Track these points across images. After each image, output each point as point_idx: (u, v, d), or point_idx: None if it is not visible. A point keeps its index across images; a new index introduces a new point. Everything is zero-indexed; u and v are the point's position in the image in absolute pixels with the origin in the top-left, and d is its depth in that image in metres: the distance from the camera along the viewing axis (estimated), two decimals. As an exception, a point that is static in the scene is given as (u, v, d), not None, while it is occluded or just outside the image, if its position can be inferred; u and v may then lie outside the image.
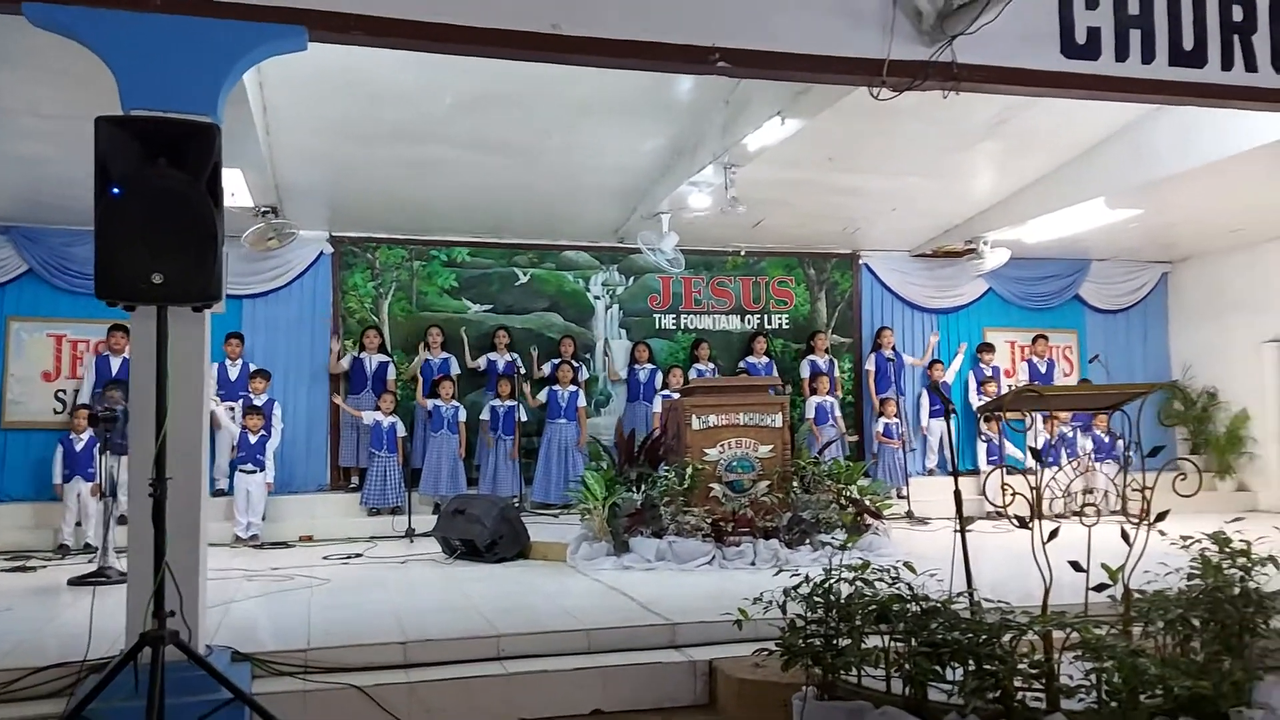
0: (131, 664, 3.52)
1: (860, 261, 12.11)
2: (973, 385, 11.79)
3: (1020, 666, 3.38)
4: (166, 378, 3.58)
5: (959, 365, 11.84)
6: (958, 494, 4.07)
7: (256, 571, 7.24)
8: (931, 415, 11.56)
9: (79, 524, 8.67)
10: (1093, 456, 10.79)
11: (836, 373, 11.48)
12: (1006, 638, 3.42)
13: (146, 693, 3.33)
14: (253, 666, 4.35)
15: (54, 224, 9.38)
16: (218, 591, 6.10)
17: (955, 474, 4.23)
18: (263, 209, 9.26)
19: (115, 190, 3.42)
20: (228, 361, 9.77)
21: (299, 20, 4.27)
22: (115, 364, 9.22)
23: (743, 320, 11.75)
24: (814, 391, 11.10)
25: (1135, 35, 5.26)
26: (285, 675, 4.35)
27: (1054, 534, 3.50)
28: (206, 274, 3.52)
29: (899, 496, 10.38)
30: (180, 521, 3.76)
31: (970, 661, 3.44)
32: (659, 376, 10.98)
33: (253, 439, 9.25)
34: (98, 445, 7.85)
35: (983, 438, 11.20)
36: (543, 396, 10.54)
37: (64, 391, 9.63)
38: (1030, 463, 4.43)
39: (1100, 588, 3.61)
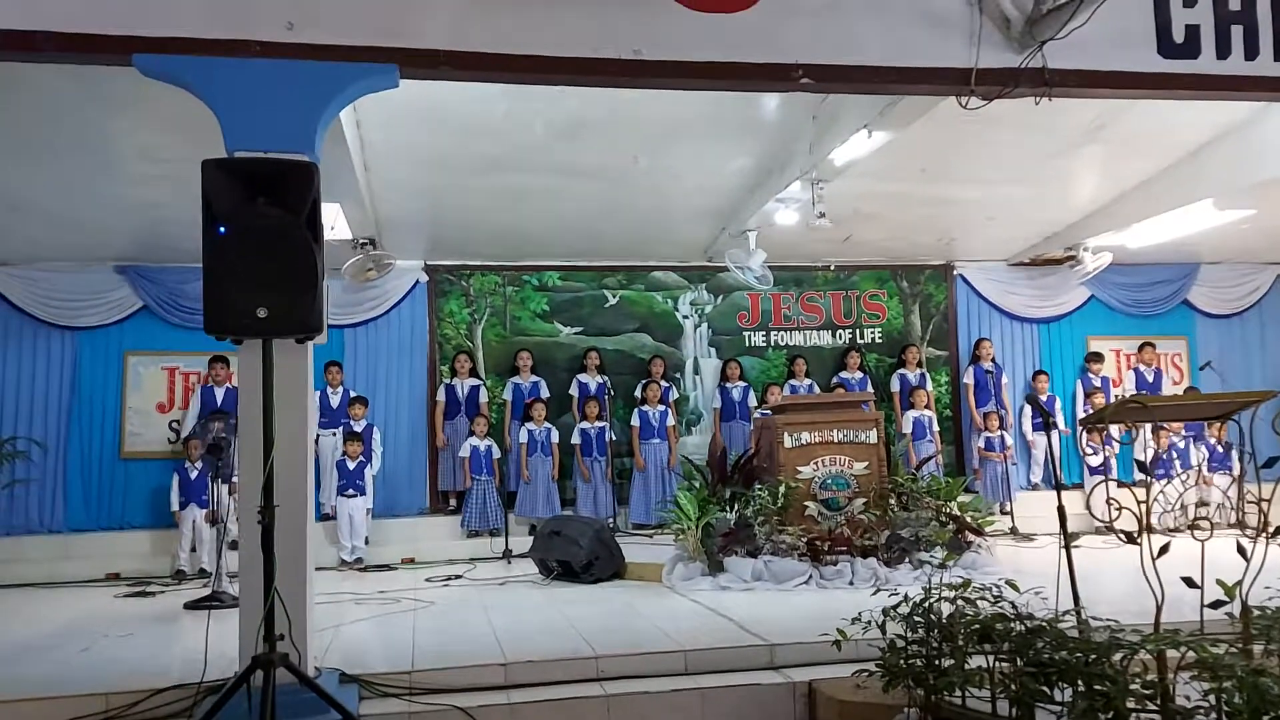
0: (245, 686, 3.64)
1: (955, 272, 11.87)
2: (1080, 396, 11.43)
3: (1133, 687, 3.26)
4: (273, 408, 3.72)
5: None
6: (1061, 509, 3.96)
7: (363, 594, 7.43)
8: (1035, 428, 11.24)
9: (194, 550, 9.02)
10: (1207, 468, 10.35)
11: (930, 386, 11.25)
12: (1117, 657, 3.30)
13: (259, 714, 3.45)
14: (360, 688, 4.46)
15: (167, 263, 9.84)
16: (326, 614, 6.29)
17: (1059, 488, 4.11)
18: (361, 241, 9.55)
19: (221, 229, 3.58)
20: (329, 389, 10.07)
21: (390, 59, 4.42)
22: (219, 394, 9.60)
23: (834, 335, 11.63)
24: (910, 406, 10.91)
25: (1237, 31, 5.07)
26: (391, 696, 4.45)
27: (1164, 549, 3.38)
28: (308, 307, 3.65)
29: (1002, 512, 10.11)
30: (287, 547, 3.90)
31: (1079, 682, 3.33)
32: (751, 394, 10.93)
33: (352, 465, 9.50)
34: (210, 473, 8.18)
35: (1090, 450, 10.83)
36: (635, 420, 10.58)
37: (177, 422, 10.05)
38: (1137, 475, 4.27)
39: (1217, 604, 3.46)
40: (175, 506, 9.18)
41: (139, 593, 8.02)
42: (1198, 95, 5.30)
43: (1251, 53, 5.06)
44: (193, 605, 6.94)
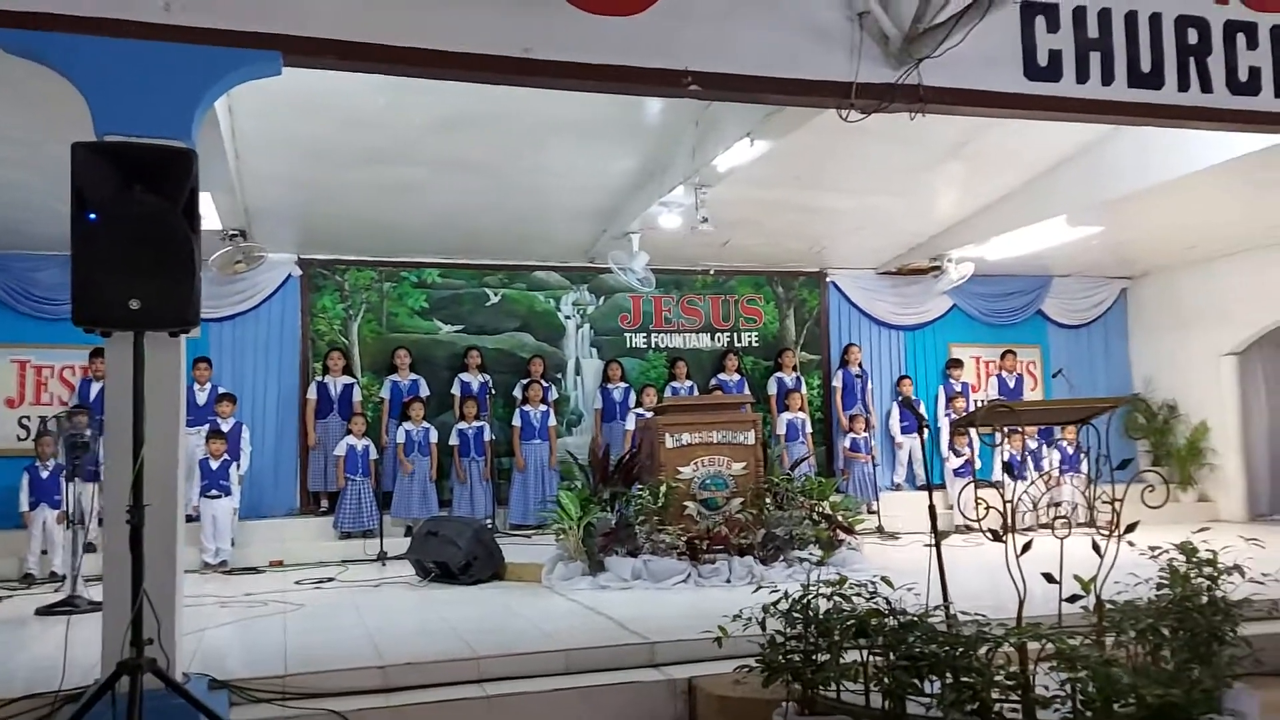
0: (109, 693, 3.48)
1: (828, 279, 12.23)
2: (941, 401, 11.92)
3: (997, 678, 3.43)
4: (144, 403, 3.57)
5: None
6: (932, 508, 4.13)
7: (229, 597, 7.17)
8: (904, 431, 11.69)
9: (44, 552, 8.53)
10: (1059, 470, 10.95)
11: (804, 389, 11.56)
12: (983, 650, 3.47)
13: (125, 722, 3.31)
14: (230, 694, 4.31)
15: (17, 249, 9.27)
16: (190, 619, 6.01)
17: (930, 489, 4.30)
18: (230, 232, 9.21)
19: (91, 216, 3.42)
20: (196, 386, 9.66)
21: (273, 45, 4.29)
22: (95, 389, 9.10)
23: (713, 338, 11.82)
24: (785, 409, 11.18)
25: (1095, 57, 5.40)
26: (263, 702, 4.32)
27: (1027, 546, 3.57)
28: (184, 299, 3.52)
29: (869, 511, 10.47)
30: (157, 548, 3.74)
31: (948, 674, 3.48)
32: (632, 395, 11.01)
33: (215, 464, 9.15)
34: (64, 472, 7.74)
35: (954, 452, 11.31)
36: (516, 419, 10.52)
37: (28, 418, 9.49)
38: (998, 476, 4.51)
39: (1073, 599, 3.68)
40: (25, 507, 8.63)
41: (-18, 598, 7.56)
42: (1059, 116, 5.61)
43: (1108, 78, 5.40)
44: (46, 610, 6.57)
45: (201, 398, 9.67)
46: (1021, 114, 5.54)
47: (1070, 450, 11.08)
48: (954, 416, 11.34)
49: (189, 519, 9.15)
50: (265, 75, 4.40)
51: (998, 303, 12.60)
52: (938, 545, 4.01)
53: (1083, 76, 5.37)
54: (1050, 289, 12.75)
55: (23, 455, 9.10)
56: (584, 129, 7.72)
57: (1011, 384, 12.14)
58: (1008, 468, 3.94)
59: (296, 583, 7.89)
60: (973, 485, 3.58)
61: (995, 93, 5.26)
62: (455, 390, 10.56)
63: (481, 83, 5.09)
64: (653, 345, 11.61)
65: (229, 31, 4.16)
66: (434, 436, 10.18)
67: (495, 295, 11.16)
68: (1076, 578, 3.64)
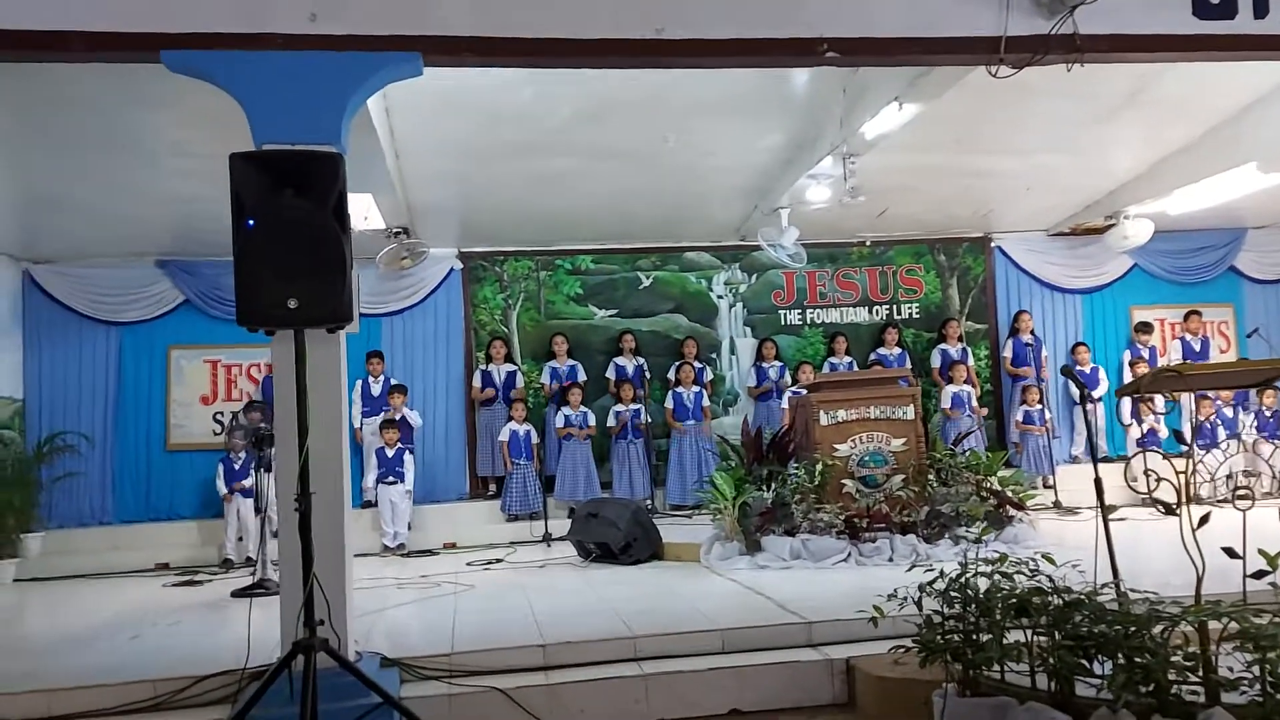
0: (286, 671, 3.69)
1: (993, 244, 11.72)
2: (1126, 367, 11.26)
3: (1174, 659, 3.21)
4: (306, 396, 3.76)
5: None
6: (1098, 480, 3.91)
7: (406, 579, 7.52)
8: (1075, 402, 11.12)
9: (240, 539, 9.18)
10: (1256, 436, 10.15)
11: (971, 360, 11.13)
12: (1157, 629, 3.25)
13: (300, 698, 3.50)
14: (401, 671, 4.52)
15: (207, 257, 9.98)
16: (371, 599, 6.39)
17: (1095, 459, 4.06)
18: (395, 230, 9.63)
19: (249, 221, 3.62)
20: (370, 379, 10.19)
21: (413, 47, 4.43)
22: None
23: (870, 312, 11.53)
24: (949, 381, 10.81)
25: (1275, -12, 4.93)
26: (431, 679, 4.51)
27: (1204, 519, 3.31)
28: (337, 296, 3.68)
29: (1045, 486, 10.01)
30: (325, 533, 3.94)
31: (1119, 655, 3.29)
32: (788, 373, 10.88)
33: (390, 452, 9.60)
34: (254, 463, 8.31)
35: (1137, 421, 10.65)
36: (669, 401, 10.58)
37: (221, 414, 10.22)
38: (1180, 445, 4.24)
39: (1259, 574, 3.40)
40: (224, 490, 9.31)
41: (187, 581, 8.19)
42: (1235, 56, 5.15)
43: (1290, 10, 4.93)
44: (239, 593, 7.07)
45: (376, 389, 10.19)
46: (1191, 57, 5.11)
47: (1269, 416, 10.26)
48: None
49: (368, 504, 9.68)
50: (407, 76, 4.56)
51: (1184, 260, 11.76)
52: (1105, 519, 3.78)
53: (1261, 10, 4.91)
54: (1244, 242, 11.80)
55: (218, 449, 9.79)
56: (729, 107, 7.66)
57: (1197, 346, 11.34)
58: (1179, 436, 3.67)
59: (468, 564, 8.20)
60: (1143, 455, 3.35)
61: (1160, 35, 4.88)
62: (610, 374, 10.70)
63: (617, 67, 5.12)
64: (808, 321, 11.43)
65: (370, 37, 4.32)
66: (592, 420, 10.35)
67: (647, 278, 11.23)
68: (1262, 552, 3.36)
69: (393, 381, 10.29)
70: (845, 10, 4.70)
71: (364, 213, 8.70)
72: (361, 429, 10.05)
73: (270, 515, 7.26)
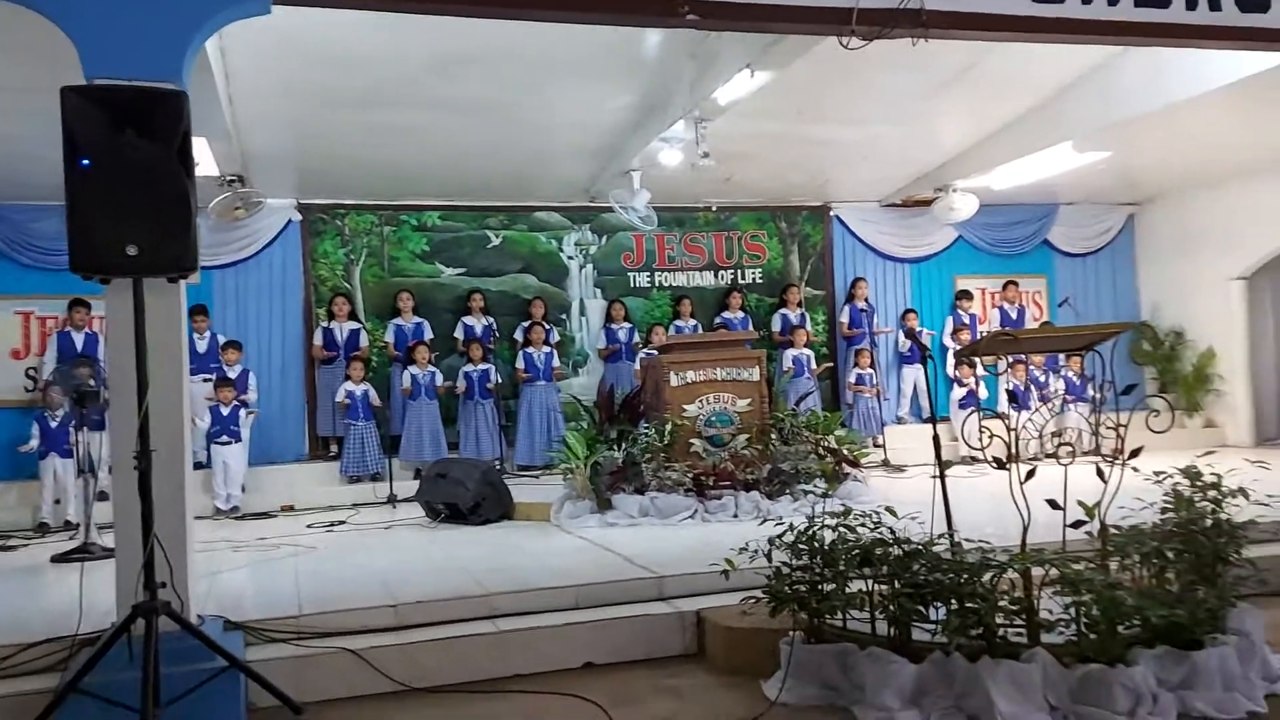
0: (125, 636, 3.53)
1: (831, 213, 12.13)
2: (948, 331, 11.90)
3: (1001, 603, 3.47)
4: (146, 350, 3.57)
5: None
6: (936, 439, 4.14)
7: (241, 542, 7.25)
8: (904, 363, 11.72)
9: (58, 501, 8.62)
10: (1065, 398, 10.95)
11: (809, 325, 11.54)
12: (987, 576, 3.51)
13: (141, 663, 3.35)
14: (245, 635, 4.38)
15: (16, 200, 9.22)
16: (203, 563, 6.09)
17: (934, 420, 4.30)
18: (228, 178, 9.15)
19: (84, 162, 3.38)
20: (195, 335, 9.67)
21: (262, -17, 4.20)
22: (79, 340, 9.16)
23: (716, 276, 11.77)
24: (790, 345, 11.17)
25: (1101, -24, 5.26)
26: (278, 642, 4.38)
27: (1030, 474, 3.58)
28: (181, 244, 3.49)
29: (875, 445, 10.51)
30: (166, 493, 3.77)
31: (953, 601, 3.53)
32: (637, 334, 11.00)
33: (225, 410, 9.19)
34: (73, 422, 7.79)
35: (958, 383, 11.32)
36: (519, 362, 10.53)
37: (34, 369, 9.53)
38: (1005, 406, 4.55)
39: (1077, 524, 3.70)
40: (35, 446, 8.72)
41: (-1, 547, 7.66)
42: (1064, 39, 5.49)
43: (1114, -3, 5.28)
44: (61, 558, 6.65)
45: (201, 346, 9.69)
46: (1026, 36, 5.43)
47: (1076, 379, 11.08)
48: (959, 347, 11.33)
49: (200, 465, 9.25)
50: (254, 14, 4.32)
51: (1004, 232, 12.50)
52: (942, 475, 4.02)
53: (1088, -4, 5.25)
54: (1057, 217, 12.65)
55: (30, 406, 9.15)
56: (581, 66, 7.61)
57: (1014, 315, 12.12)
58: (1012, 396, 3.93)
59: (308, 526, 7.97)
60: (977, 415, 3.58)
61: (1000, 15, 5.14)
62: (459, 334, 10.56)
63: (473, 16, 5.02)
64: (656, 284, 11.57)
65: (215, -31, 4.08)
66: (440, 379, 10.20)
67: (496, 237, 11.10)
68: (1080, 503, 3.65)
69: (222, 338, 9.82)
70: (708, -27, 4.74)
71: (196, 158, 8.21)
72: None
73: (97, 475, 6.87)
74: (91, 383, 6.83)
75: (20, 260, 9.45)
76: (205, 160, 8.39)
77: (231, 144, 8.34)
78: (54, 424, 8.69)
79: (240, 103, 7.79)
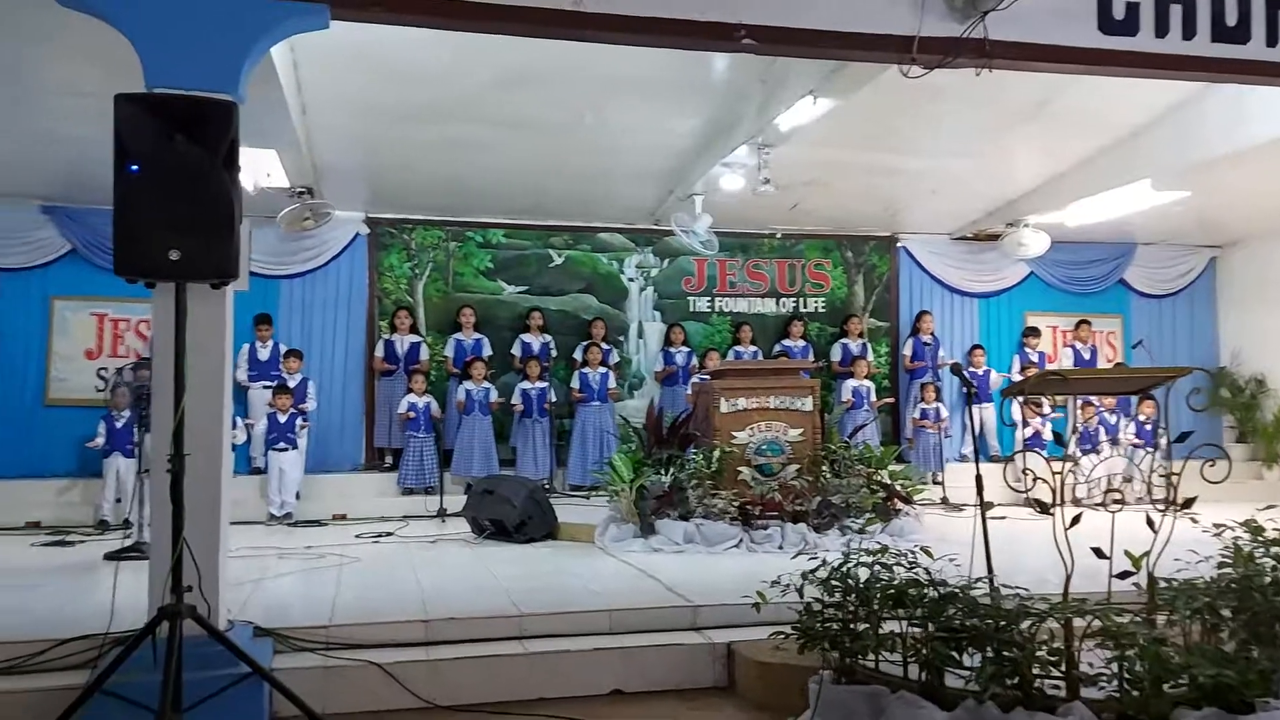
0: (151, 638, 3.55)
1: (899, 244, 11.95)
2: (1015, 369, 11.61)
3: (1039, 654, 3.31)
4: (184, 354, 3.61)
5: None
6: (979, 477, 4.00)
7: (289, 549, 7.33)
8: (964, 401, 11.45)
9: (119, 500, 8.83)
10: (1132, 443, 10.57)
11: (870, 356, 11.35)
12: (1025, 624, 3.35)
13: (164, 666, 3.37)
14: (275, 642, 4.40)
15: (95, 204, 9.51)
16: (250, 568, 6.21)
17: (977, 457, 4.16)
18: (299, 189, 9.33)
19: (133, 167, 3.45)
20: (258, 344, 9.87)
21: (322, -2, 4.27)
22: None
23: (778, 303, 11.66)
24: (849, 375, 11.00)
25: (1176, 10, 5.09)
26: (306, 650, 4.39)
27: (1075, 520, 3.42)
28: (224, 251, 3.54)
29: (934, 482, 10.26)
30: (199, 497, 3.80)
31: (988, 648, 3.38)
32: (695, 359, 10.94)
33: (283, 418, 9.34)
34: (136, 422, 7.99)
35: (1024, 424, 11.00)
36: (575, 381, 10.54)
37: (105, 370, 9.80)
38: (1063, 448, 4.42)
39: (1124, 575, 3.53)
40: (101, 445, 8.96)
41: (57, 542, 7.85)
42: (1135, 73, 5.32)
43: (1189, 32, 5.09)
44: (113, 556, 6.78)
45: (264, 354, 9.88)
46: (1095, 70, 5.26)
47: (1146, 425, 10.69)
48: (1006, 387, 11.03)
49: (257, 471, 9.41)
50: (313, 28, 4.38)
51: (1078, 270, 12.18)
52: (983, 516, 3.88)
53: (1162, 30, 5.07)
54: (1134, 257, 12.29)
55: (101, 406, 9.39)
56: (647, 87, 7.60)
57: (1087, 355, 11.76)
58: (1058, 438, 3.77)
59: (356, 536, 8.03)
60: (1023, 455, 3.44)
61: (1066, 47, 5.00)
62: (516, 351, 10.60)
63: (531, 36, 5.02)
64: (717, 309, 11.50)
65: (275, -17, 4.15)
66: (495, 395, 10.24)
67: (559, 256, 11.15)
68: (1127, 553, 3.48)
69: (284, 347, 10.00)
70: (765, -2, 4.70)
71: (267, 169, 8.42)
72: (247, 393, 9.76)
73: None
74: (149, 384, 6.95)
75: (95, 262, 9.73)
76: (276, 171, 8.59)
77: (302, 155, 8.51)
78: (119, 424, 8.92)
79: (312, 115, 7.94)
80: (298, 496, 9.35)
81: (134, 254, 3.45)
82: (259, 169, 8.28)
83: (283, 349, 9.96)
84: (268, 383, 9.63)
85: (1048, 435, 10.43)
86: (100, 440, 8.98)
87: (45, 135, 7.88)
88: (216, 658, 3.71)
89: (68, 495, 9.16)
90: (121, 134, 3.47)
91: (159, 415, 3.89)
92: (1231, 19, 5.16)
